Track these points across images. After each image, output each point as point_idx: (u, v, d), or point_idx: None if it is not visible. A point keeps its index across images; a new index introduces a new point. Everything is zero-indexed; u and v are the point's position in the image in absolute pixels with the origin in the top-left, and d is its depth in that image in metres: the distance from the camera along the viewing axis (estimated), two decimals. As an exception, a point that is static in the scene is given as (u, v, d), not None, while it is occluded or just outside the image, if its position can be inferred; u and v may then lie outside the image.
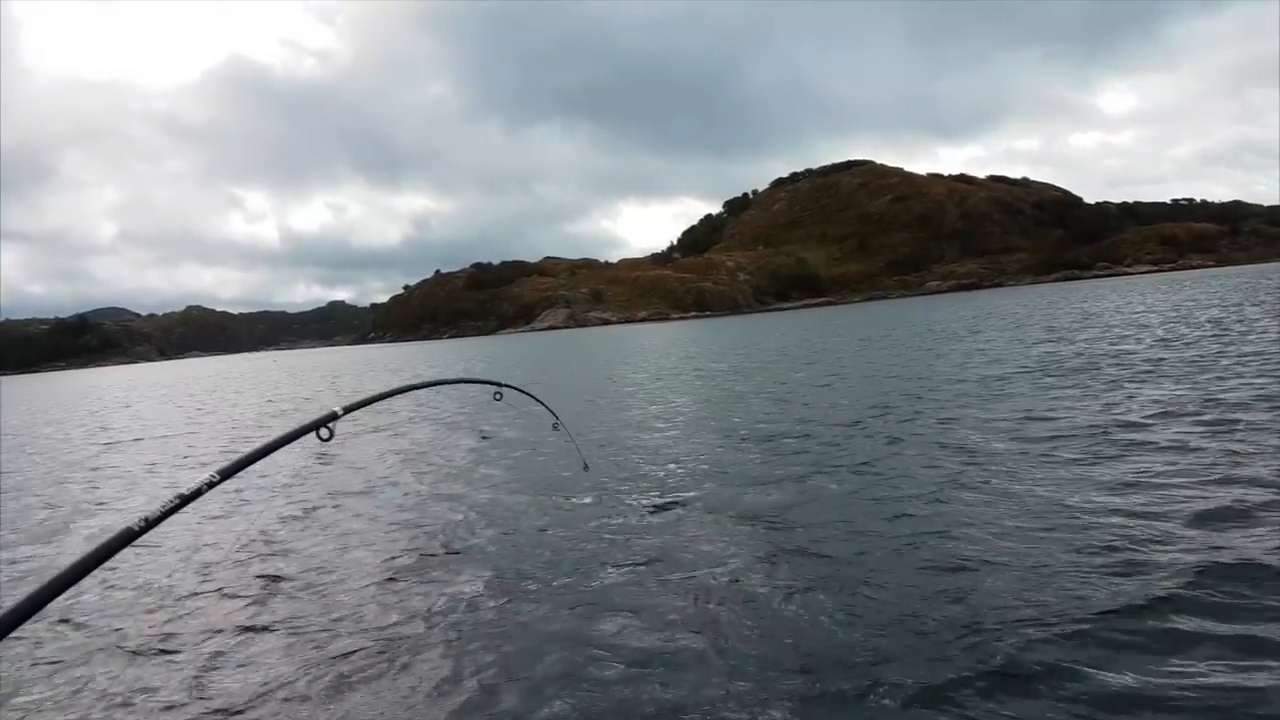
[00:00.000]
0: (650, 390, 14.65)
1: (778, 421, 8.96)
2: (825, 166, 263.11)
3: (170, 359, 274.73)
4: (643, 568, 4.35)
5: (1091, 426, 7.38)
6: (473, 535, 5.12)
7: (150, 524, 1.47)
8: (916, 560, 4.19)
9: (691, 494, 5.86)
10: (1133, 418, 7.58)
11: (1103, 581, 3.79)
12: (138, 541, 1.35)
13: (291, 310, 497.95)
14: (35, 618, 1.19)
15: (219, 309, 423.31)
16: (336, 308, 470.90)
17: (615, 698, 3.07)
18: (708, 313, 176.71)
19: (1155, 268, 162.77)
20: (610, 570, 4.33)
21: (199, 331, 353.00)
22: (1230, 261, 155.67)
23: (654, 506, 5.51)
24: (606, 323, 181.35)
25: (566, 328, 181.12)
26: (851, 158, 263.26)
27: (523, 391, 3.68)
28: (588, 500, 5.72)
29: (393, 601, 4.03)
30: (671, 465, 7.07)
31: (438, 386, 3.23)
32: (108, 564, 1.24)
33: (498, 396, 3.51)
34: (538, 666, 3.36)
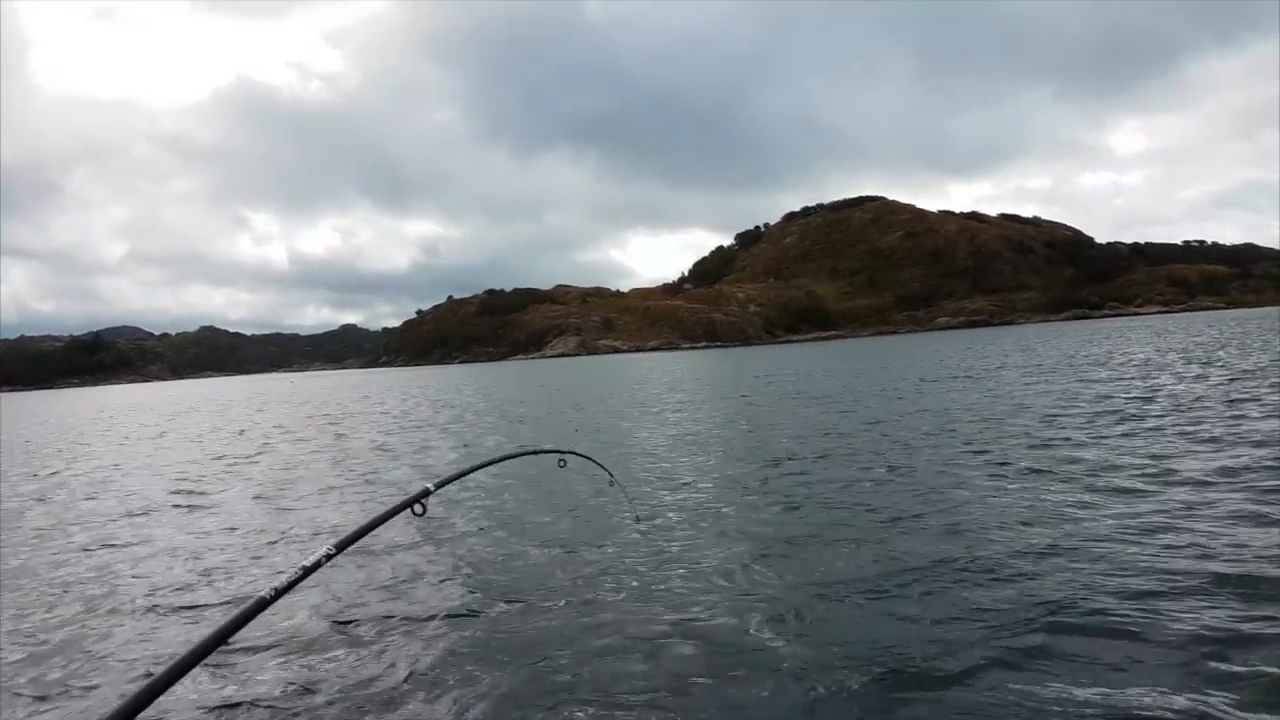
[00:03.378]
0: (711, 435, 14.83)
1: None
2: (837, 201, 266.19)
3: (182, 378, 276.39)
4: (695, 609, 4.77)
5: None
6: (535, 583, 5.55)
7: (280, 593, 1.64)
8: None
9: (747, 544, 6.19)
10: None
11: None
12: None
13: (302, 333, 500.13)
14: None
15: (231, 330, 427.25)
16: (348, 330, 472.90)
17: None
18: (718, 343, 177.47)
19: (1165, 308, 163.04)
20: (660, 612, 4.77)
21: (211, 352, 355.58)
22: (1241, 304, 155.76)
23: (702, 556, 5.89)
24: (617, 351, 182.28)
25: (577, 355, 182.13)
26: (862, 193, 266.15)
27: (585, 456, 4.26)
28: (638, 551, 6.11)
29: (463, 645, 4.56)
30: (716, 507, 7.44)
31: (513, 459, 3.66)
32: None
33: (562, 463, 3.90)
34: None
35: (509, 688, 3.87)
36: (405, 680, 4.06)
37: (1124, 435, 9.92)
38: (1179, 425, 10.27)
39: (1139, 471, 7.62)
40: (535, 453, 4.19)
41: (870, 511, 6.94)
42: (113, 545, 7.69)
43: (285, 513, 8.81)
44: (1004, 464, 8.62)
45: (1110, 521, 5.94)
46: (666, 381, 35.06)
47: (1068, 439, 9.98)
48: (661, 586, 5.18)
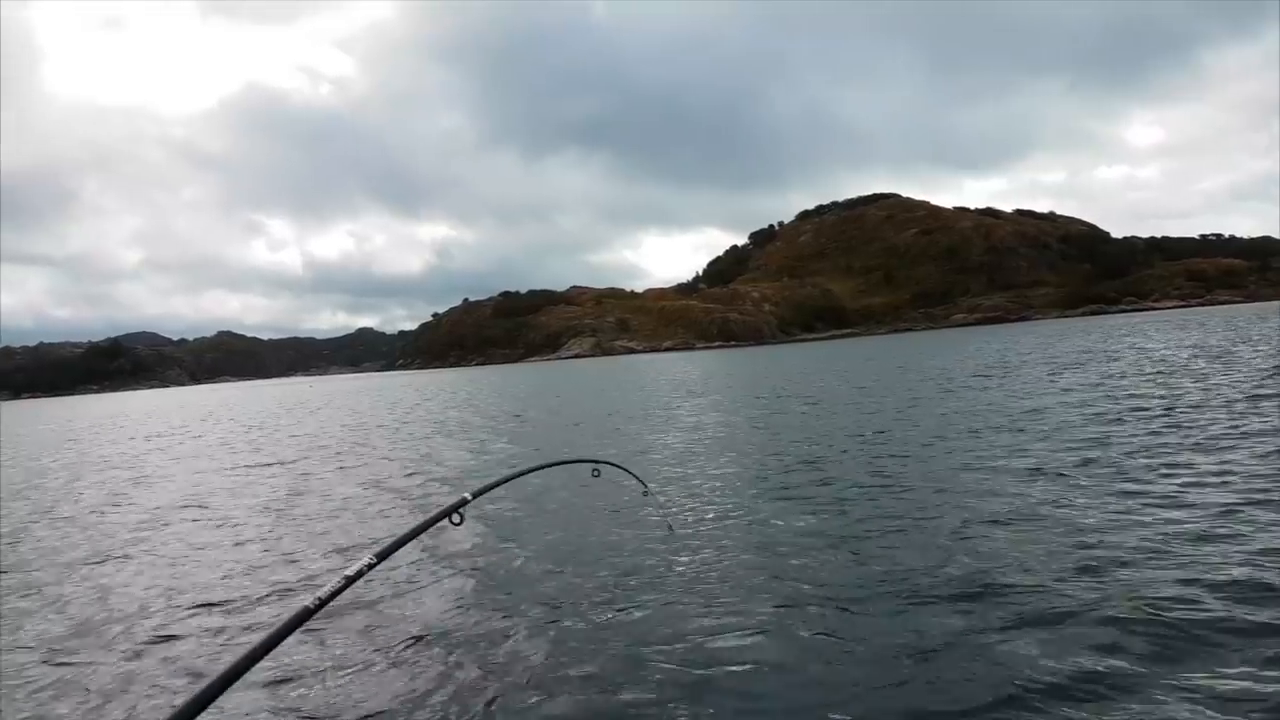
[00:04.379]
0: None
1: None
2: (851, 199, 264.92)
3: (201, 384, 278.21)
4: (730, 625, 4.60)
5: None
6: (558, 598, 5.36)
7: (323, 602, 1.66)
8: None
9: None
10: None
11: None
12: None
13: (319, 337, 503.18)
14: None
15: (249, 335, 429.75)
16: (364, 334, 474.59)
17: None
18: (733, 343, 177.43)
19: (1183, 303, 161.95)
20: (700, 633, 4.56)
21: (229, 357, 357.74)
22: (1259, 298, 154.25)
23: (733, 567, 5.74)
24: (632, 351, 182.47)
25: (592, 356, 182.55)
26: (874, 190, 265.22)
27: (619, 466, 4.40)
28: (671, 562, 5.90)
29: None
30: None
31: (549, 468, 3.80)
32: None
33: (595, 473, 3.98)
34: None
35: (542, 698, 3.88)
36: (444, 688, 4.07)
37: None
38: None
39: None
40: (570, 462, 4.39)
41: (917, 519, 6.65)
42: (161, 551, 7.74)
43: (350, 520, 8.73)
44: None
45: (1156, 528, 5.78)
46: (686, 384, 34.74)
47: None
48: (693, 599, 5.02)
